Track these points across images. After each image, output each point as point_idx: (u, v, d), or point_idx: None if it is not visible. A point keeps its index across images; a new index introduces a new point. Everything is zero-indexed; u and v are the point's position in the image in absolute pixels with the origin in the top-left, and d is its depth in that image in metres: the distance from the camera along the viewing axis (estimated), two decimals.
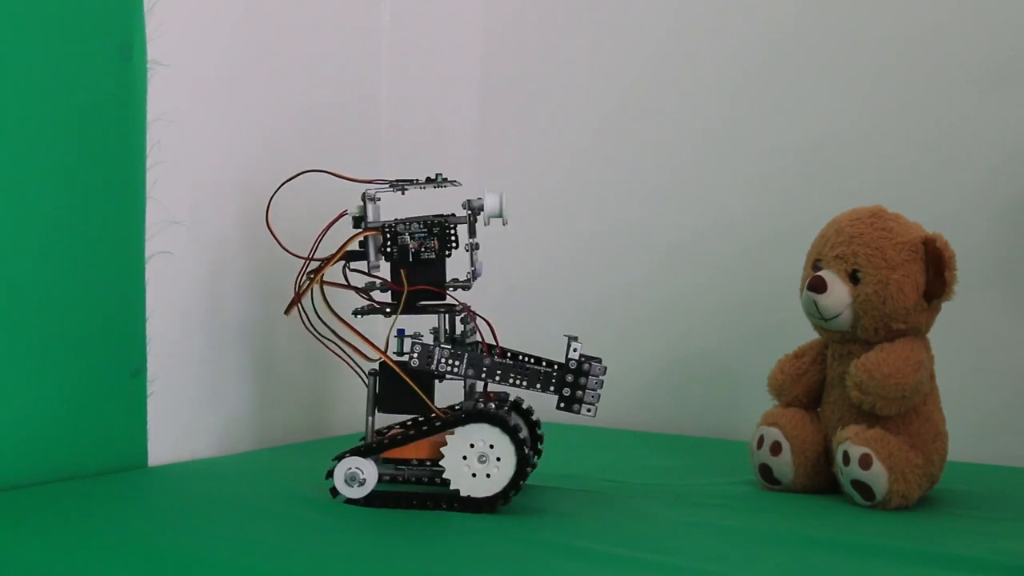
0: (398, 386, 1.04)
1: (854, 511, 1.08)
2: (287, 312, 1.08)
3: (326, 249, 1.08)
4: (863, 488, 1.09)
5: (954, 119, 1.48)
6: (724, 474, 1.27)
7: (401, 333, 1.05)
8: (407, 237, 1.05)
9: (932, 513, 1.08)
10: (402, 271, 1.05)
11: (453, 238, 1.06)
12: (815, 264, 1.19)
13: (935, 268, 1.13)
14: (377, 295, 1.09)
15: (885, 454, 1.08)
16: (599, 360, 1.03)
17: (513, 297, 1.76)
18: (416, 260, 1.05)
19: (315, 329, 1.08)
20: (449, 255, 1.06)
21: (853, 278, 1.14)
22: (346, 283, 1.07)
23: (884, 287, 1.12)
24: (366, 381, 1.07)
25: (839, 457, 1.11)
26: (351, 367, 1.10)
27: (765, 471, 1.19)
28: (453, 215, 1.06)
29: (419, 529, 0.96)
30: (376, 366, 1.06)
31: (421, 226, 1.05)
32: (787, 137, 1.59)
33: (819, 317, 1.16)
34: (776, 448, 1.17)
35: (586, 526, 0.99)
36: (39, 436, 1.11)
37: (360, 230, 1.06)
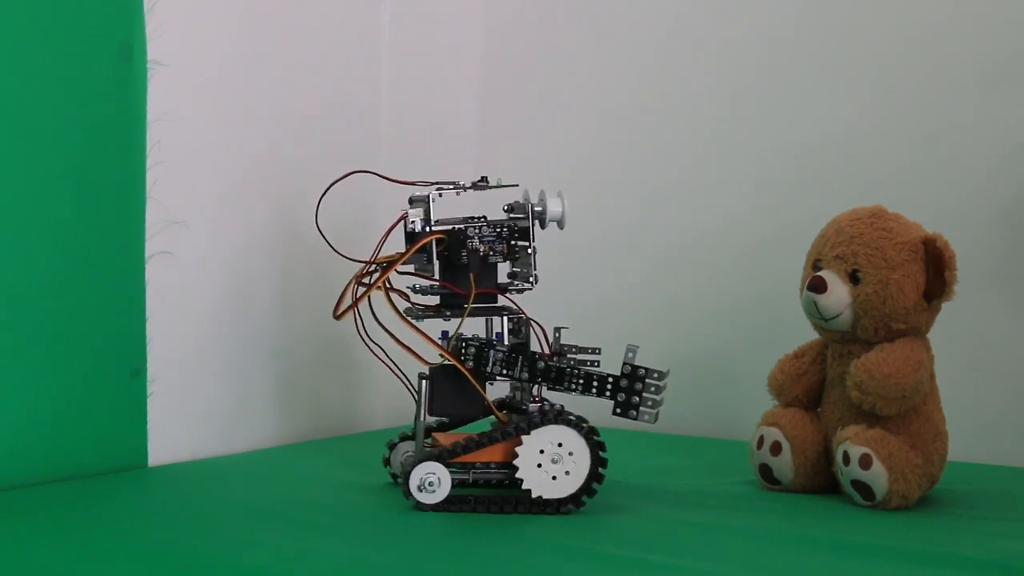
0: (452, 388, 1.05)
1: (854, 511, 1.08)
2: (339, 317, 1.06)
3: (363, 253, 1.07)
4: (863, 488, 1.09)
5: (954, 119, 1.47)
6: (724, 474, 1.26)
7: (445, 336, 1.05)
8: (476, 240, 1.05)
9: (932, 513, 1.08)
10: (472, 274, 1.05)
11: (518, 241, 1.06)
12: (815, 264, 1.19)
13: (935, 268, 1.13)
14: (414, 297, 1.08)
15: (885, 454, 1.08)
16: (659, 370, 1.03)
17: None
18: (484, 263, 1.05)
19: (367, 334, 1.07)
20: (518, 258, 1.06)
21: (853, 278, 1.14)
22: (390, 286, 1.06)
23: (884, 287, 1.12)
24: (413, 386, 1.08)
25: (839, 457, 1.11)
26: (396, 375, 1.10)
27: (765, 471, 1.19)
28: (517, 218, 1.06)
29: (418, 529, 0.96)
30: (426, 369, 1.06)
31: (491, 229, 1.06)
32: (787, 137, 1.59)
33: (819, 317, 1.16)
34: (776, 448, 1.17)
35: (586, 526, 0.99)
36: (39, 436, 1.11)
37: (428, 233, 1.05)
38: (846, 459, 1.09)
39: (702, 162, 1.66)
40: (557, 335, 1.06)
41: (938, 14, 1.49)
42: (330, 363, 1.56)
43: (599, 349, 1.06)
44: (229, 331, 1.37)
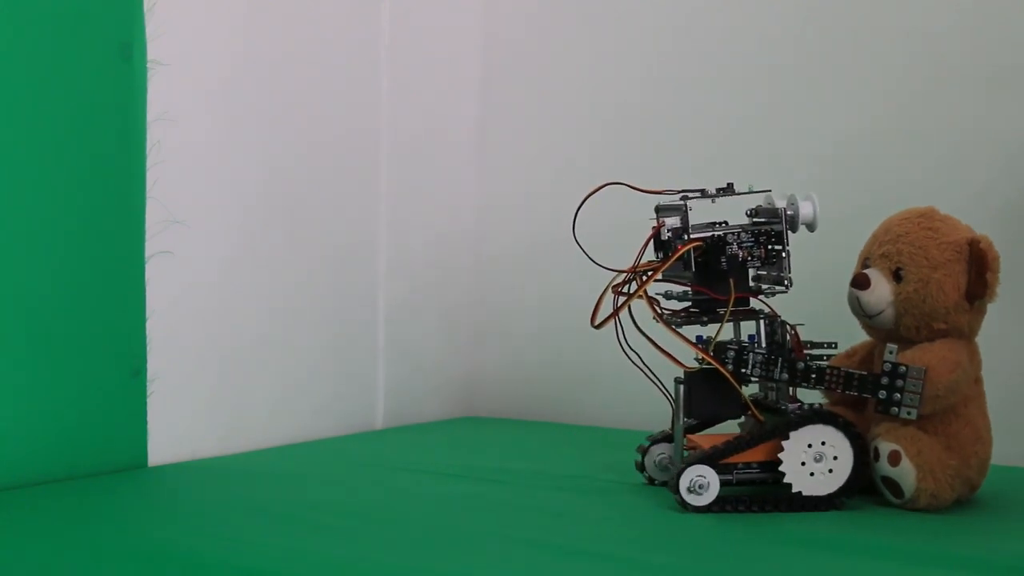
0: (709, 391, 1.07)
1: (854, 511, 1.08)
2: (599, 326, 1.06)
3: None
4: (892, 484, 1.08)
5: (955, 119, 1.47)
6: None
7: (700, 340, 1.06)
8: (735, 246, 1.07)
9: (931, 513, 1.08)
10: (731, 280, 1.06)
11: (776, 246, 1.07)
12: (864, 262, 1.19)
13: (978, 269, 1.12)
14: (666, 304, 1.09)
15: (914, 451, 1.07)
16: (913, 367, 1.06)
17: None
18: (741, 269, 1.07)
19: (626, 342, 1.08)
20: (775, 262, 1.08)
21: (896, 276, 1.14)
22: (643, 293, 1.07)
23: (925, 286, 1.12)
24: (669, 392, 1.10)
25: (871, 453, 1.11)
26: (654, 381, 1.11)
27: None
28: (770, 223, 1.08)
29: (419, 528, 0.96)
30: (681, 373, 1.08)
31: (749, 235, 1.07)
32: (788, 139, 1.58)
33: (862, 314, 1.16)
34: None
35: (586, 526, 0.99)
36: (39, 436, 1.11)
37: (688, 240, 1.07)
38: (876, 455, 1.09)
39: (703, 165, 1.66)
40: (793, 332, 1.08)
41: (940, 16, 1.49)
42: (330, 363, 1.56)
43: (835, 343, 1.09)
44: (229, 331, 1.37)
